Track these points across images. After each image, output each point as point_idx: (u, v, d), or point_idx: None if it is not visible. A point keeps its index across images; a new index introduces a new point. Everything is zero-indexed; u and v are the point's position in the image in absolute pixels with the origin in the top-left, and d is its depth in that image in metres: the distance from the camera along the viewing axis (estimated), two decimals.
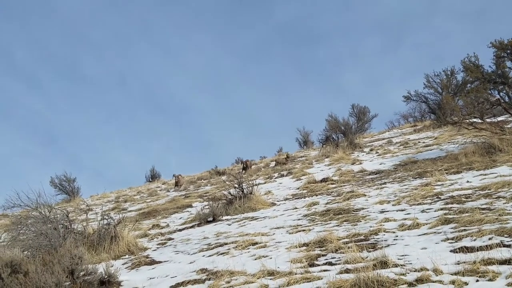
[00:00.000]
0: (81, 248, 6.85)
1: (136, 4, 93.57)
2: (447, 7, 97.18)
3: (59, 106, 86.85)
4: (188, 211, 14.89)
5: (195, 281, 5.93)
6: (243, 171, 22.10)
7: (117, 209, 19.29)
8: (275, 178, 19.40)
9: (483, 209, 7.09)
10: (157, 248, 9.16)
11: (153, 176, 33.62)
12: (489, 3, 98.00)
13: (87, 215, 9.56)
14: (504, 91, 14.60)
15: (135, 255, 8.45)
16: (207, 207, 12.35)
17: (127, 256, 8.50)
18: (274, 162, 26.19)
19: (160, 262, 7.70)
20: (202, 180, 25.31)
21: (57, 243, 7.21)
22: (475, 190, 8.81)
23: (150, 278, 6.60)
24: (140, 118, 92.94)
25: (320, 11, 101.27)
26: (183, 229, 11.33)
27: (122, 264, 7.79)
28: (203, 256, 7.51)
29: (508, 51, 14.14)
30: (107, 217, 9.33)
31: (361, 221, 7.98)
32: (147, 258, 8.12)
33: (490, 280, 4.11)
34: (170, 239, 10.08)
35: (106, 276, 6.34)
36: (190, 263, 7.13)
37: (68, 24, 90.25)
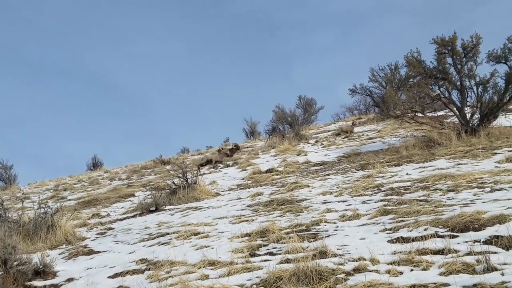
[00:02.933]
0: (16, 237, 6.65)
1: None
2: (398, 5, 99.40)
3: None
4: (130, 200, 14.68)
5: (134, 271, 5.83)
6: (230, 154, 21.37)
7: (56, 197, 18.80)
8: (221, 168, 19.38)
9: (421, 200, 7.28)
10: (96, 238, 8.98)
11: (95, 165, 32.94)
12: (438, 2, 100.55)
13: (23, 203, 9.30)
14: (444, 87, 15.03)
15: (72, 245, 8.27)
16: (150, 196, 12.21)
17: (64, 246, 8.30)
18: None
19: (98, 252, 7.55)
20: (146, 169, 24.98)
21: None
22: (414, 182, 9.05)
23: (88, 269, 6.46)
24: (87, 106, 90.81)
25: (276, 4, 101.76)
26: (124, 218, 11.16)
27: (59, 254, 7.60)
28: (144, 246, 7.41)
29: (449, 48, 14.56)
30: (44, 206, 9.05)
31: (303, 212, 8.07)
32: (85, 248, 7.94)
33: (424, 269, 4.22)
34: (110, 228, 9.91)
35: (41, 266, 6.18)
36: (130, 253, 7.02)
37: (12, 7, 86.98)
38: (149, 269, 5.79)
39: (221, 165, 20.02)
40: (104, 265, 6.46)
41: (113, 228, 9.84)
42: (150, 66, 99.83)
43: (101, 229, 9.92)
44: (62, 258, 7.37)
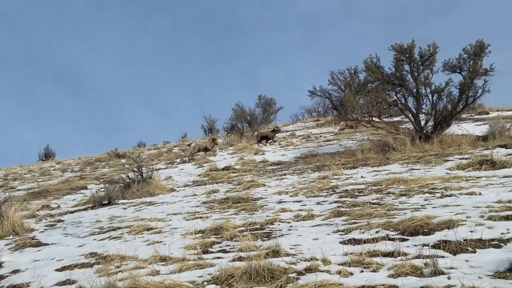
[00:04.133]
0: None
1: None
2: (361, 11, 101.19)
3: None
4: (82, 193, 14.41)
5: (83, 265, 5.72)
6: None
7: (4, 187, 18.36)
8: (177, 164, 19.24)
9: (374, 203, 7.39)
10: (45, 229, 8.78)
11: (47, 155, 32.28)
12: (401, 10, 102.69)
13: None
14: (401, 93, 15.30)
15: (20, 236, 8.06)
16: (103, 189, 12.02)
17: (11, 237, 8.09)
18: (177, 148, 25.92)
19: (47, 244, 7.37)
20: (101, 162, 24.63)
21: None
22: (368, 185, 9.18)
23: (35, 261, 6.30)
24: (46, 96, 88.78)
25: (243, 4, 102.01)
26: (75, 211, 10.95)
27: (5, 245, 7.40)
28: (94, 239, 7.28)
29: (407, 55, 14.82)
30: None
31: (258, 211, 8.08)
32: (33, 239, 7.75)
33: (373, 271, 4.28)
34: (60, 221, 9.70)
35: None
36: (80, 246, 6.89)
37: None
38: (98, 263, 5.68)
39: (178, 161, 19.87)
40: (52, 258, 6.32)
41: (63, 221, 9.64)
42: (114, 61, 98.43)
43: (50, 221, 9.70)
44: (9, 249, 7.17)
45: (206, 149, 20.27)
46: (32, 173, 23.39)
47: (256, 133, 23.45)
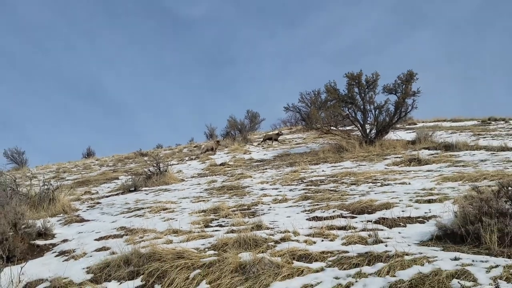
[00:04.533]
0: (24, 207, 6.34)
1: (83, 11, 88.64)
2: (320, 51, 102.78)
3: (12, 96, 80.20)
4: (115, 182, 14.26)
5: (115, 236, 5.68)
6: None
7: (56, 177, 18.04)
8: (186, 161, 19.12)
9: (331, 190, 7.42)
10: (87, 209, 8.67)
11: (89, 154, 31.83)
12: (349, 50, 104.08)
13: (31, 181, 8.87)
14: (352, 109, 15.36)
15: (68, 214, 7.95)
16: (130, 180, 11.88)
17: (61, 215, 7.97)
18: (185, 148, 25.77)
19: (88, 220, 7.29)
20: (128, 159, 24.29)
21: (4, 202, 6.62)
22: (327, 177, 9.20)
23: (79, 232, 6.23)
24: (82, 109, 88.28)
25: (231, 41, 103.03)
26: (110, 196, 10.83)
27: (57, 221, 7.30)
28: (123, 217, 7.20)
29: (356, 81, 14.89)
30: (47, 183, 8.72)
31: (246, 195, 8.06)
32: (78, 217, 7.66)
33: (331, 240, 4.30)
34: (98, 203, 9.58)
35: (43, 229, 5.93)
36: (113, 222, 6.82)
37: (24, 26, 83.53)
38: (126, 235, 5.64)
39: (187, 158, 19.75)
40: (92, 230, 6.25)
41: (100, 203, 9.54)
42: (134, 79, 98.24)
43: (91, 203, 9.58)
44: (60, 224, 7.08)
45: (212, 149, 20.24)
46: (77, 167, 23.08)
47: (263, 135, 23.49)
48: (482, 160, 9.14)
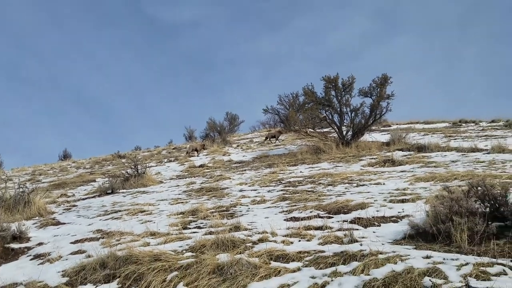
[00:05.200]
0: None
1: (77, 22, 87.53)
2: (303, 54, 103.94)
3: None
4: (91, 184, 13.98)
5: (91, 239, 5.58)
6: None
7: (32, 180, 17.60)
8: (165, 162, 18.93)
9: (309, 191, 7.44)
10: (63, 212, 8.49)
11: (65, 156, 31.17)
12: (331, 54, 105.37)
13: (6, 184, 8.65)
14: (329, 111, 15.50)
15: (43, 217, 7.77)
16: (107, 182, 11.67)
17: (37, 218, 7.78)
18: (165, 150, 25.51)
19: (64, 223, 7.13)
20: (106, 161, 23.86)
21: None
22: (305, 178, 9.24)
23: (55, 236, 6.09)
24: (60, 111, 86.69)
25: (215, 46, 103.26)
26: (86, 198, 10.62)
27: (33, 224, 7.12)
28: (100, 220, 7.08)
29: (333, 84, 15.03)
30: (22, 186, 8.52)
31: (225, 197, 8.02)
32: (54, 220, 7.48)
33: (308, 240, 4.31)
34: (74, 205, 9.38)
35: (18, 233, 5.79)
36: (89, 225, 6.69)
37: (14, 31, 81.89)
38: (103, 237, 5.55)
39: (165, 160, 19.57)
40: (68, 233, 6.12)
41: (77, 206, 9.35)
42: (114, 81, 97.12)
43: (67, 206, 9.38)
44: (35, 227, 6.92)
45: (197, 150, 20.07)
46: (53, 170, 22.55)
47: (267, 132, 23.39)
48: (453, 161, 9.33)
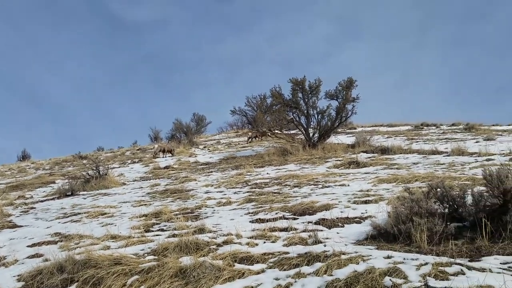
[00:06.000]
0: None
1: (32, 19, 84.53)
2: (268, 57, 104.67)
3: None
4: (51, 186, 13.53)
5: (49, 242, 5.40)
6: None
7: None
8: (128, 164, 18.56)
9: (275, 193, 7.45)
10: (20, 215, 8.17)
11: (24, 156, 30.15)
12: (294, 57, 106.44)
13: None
14: (296, 113, 15.63)
15: None
16: (67, 183, 11.32)
17: None
18: (130, 151, 25.02)
19: (21, 226, 6.87)
20: (66, 162, 23.20)
21: None
22: (271, 180, 9.25)
23: (11, 239, 5.86)
24: (18, 111, 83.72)
25: (179, 47, 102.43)
26: (45, 200, 10.26)
27: None
28: (59, 222, 6.85)
29: (300, 86, 15.18)
30: None
31: (190, 199, 7.93)
32: (10, 222, 7.20)
33: (273, 242, 4.30)
34: (32, 208, 9.05)
35: None
36: (47, 228, 6.47)
37: None
38: (61, 241, 5.38)
39: (129, 161, 19.18)
40: (25, 237, 5.90)
41: (35, 208, 9.02)
42: (72, 81, 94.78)
43: (25, 208, 9.04)
44: None
45: (165, 151, 19.73)
46: (11, 171, 21.71)
47: (251, 133, 23.17)
48: (414, 163, 9.58)
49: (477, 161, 8.96)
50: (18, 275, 4.12)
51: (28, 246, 5.31)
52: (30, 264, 4.37)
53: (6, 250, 5.16)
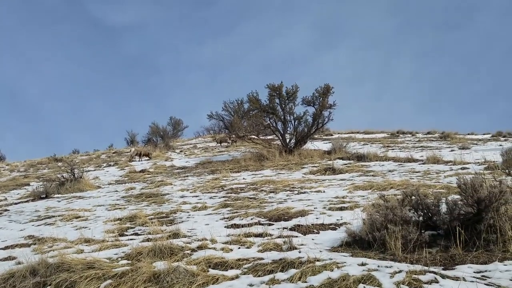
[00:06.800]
0: None
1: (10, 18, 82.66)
2: (247, 60, 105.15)
3: None
4: (25, 188, 13.20)
5: (22, 245, 5.27)
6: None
7: None
8: (104, 167, 18.25)
9: (251, 198, 7.45)
10: None
11: None
12: (273, 62, 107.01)
13: None
14: (273, 119, 15.72)
15: None
16: (42, 186, 11.06)
17: None
18: (104, 155, 24.63)
19: None
20: (42, 165, 22.66)
21: None
22: (248, 185, 9.25)
23: None
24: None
25: (157, 50, 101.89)
26: (19, 203, 9.99)
27: None
28: (33, 225, 6.69)
29: (277, 92, 15.28)
30: None
31: (165, 203, 7.85)
32: None
33: (248, 247, 4.29)
34: (6, 210, 8.80)
35: None
36: (21, 230, 6.32)
37: None
38: (35, 244, 5.26)
39: (104, 165, 18.87)
40: None
41: (9, 210, 8.77)
42: (49, 82, 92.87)
43: None
44: None
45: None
46: None
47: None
48: (390, 170, 9.75)
49: (452, 169, 9.18)
50: None
51: (1, 249, 5.18)
52: (3, 267, 4.25)
53: None
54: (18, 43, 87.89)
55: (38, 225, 6.66)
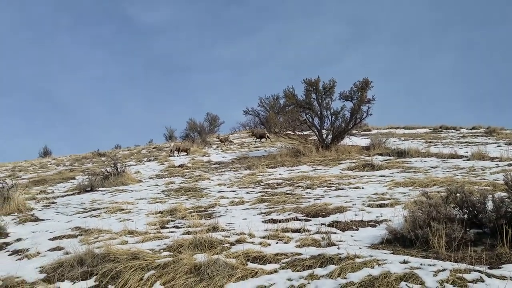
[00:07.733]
0: None
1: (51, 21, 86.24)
2: (277, 59, 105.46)
3: None
4: (71, 182, 13.74)
5: (70, 236, 5.52)
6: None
7: (12, 176, 17.20)
8: (144, 162, 18.71)
9: (287, 193, 7.46)
10: (42, 209, 8.34)
11: (46, 153, 30.68)
12: (301, 61, 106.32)
13: None
14: (309, 114, 15.61)
15: (22, 213, 7.65)
16: (87, 179, 11.47)
17: (16, 214, 7.65)
18: (145, 150, 25.25)
19: (43, 220, 7.03)
20: (86, 159, 23.49)
21: None
22: (284, 180, 9.25)
23: (34, 232, 6.02)
24: (39, 110, 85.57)
25: (188, 50, 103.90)
26: (65, 195, 10.43)
27: (12, 220, 7.02)
28: (79, 217, 6.98)
29: (314, 87, 15.14)
30: (2, 182, 8.46)
31: (204, 197, 7.98)
32: (33, 216, 7.36)
33: (285, 242, 4.31)
34: (53, 202, 9.21)
35: None
36: (68, 222, 6.61)
37: None
38: (81, 235, 5.50)
39: (145, 159, 19.36)
40: (46, 230, 6.05)
41: (56, 202, 9.18)
42: (92, 85, 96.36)
43: (46, 203, 9.20)
44: (14, 223, 6.83)
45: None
46: (33, 166, 22.09)
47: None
48: (432, 167, 9.49)
49: (499, 166, 8.85)
50: (40, 267, 4.25)
51: (49, 239, 5.44)
52: (52, 256, 4.49)
53: (29, 243, 5.31)
54: (59, 44, 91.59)
55: (84, 217, 6.94)
